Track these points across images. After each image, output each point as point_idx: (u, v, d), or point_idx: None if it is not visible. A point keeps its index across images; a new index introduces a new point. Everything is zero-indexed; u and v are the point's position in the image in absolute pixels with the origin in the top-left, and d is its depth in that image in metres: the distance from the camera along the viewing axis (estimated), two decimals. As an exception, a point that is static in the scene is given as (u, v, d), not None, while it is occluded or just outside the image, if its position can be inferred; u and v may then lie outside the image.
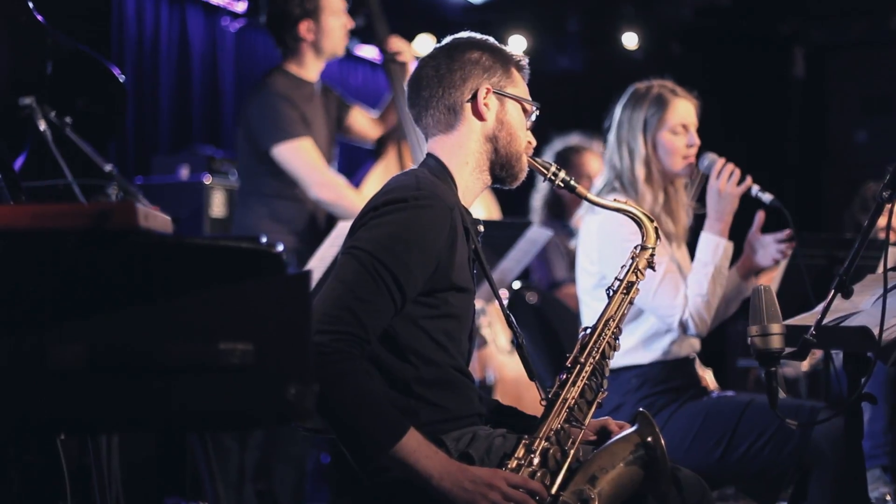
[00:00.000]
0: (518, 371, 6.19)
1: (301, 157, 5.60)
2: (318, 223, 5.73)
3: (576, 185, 3.29)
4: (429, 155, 3.26)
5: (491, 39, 3.31)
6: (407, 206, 3.02)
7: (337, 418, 2.88)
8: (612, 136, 4.57)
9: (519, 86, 3.29)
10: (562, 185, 3.28)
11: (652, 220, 3.37)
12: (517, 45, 9.58)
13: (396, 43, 6.30)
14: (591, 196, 3.36)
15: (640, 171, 4.46)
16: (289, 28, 5.85)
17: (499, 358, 6.19)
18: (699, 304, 4.29)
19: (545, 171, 3.28)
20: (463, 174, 3.23)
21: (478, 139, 3.22)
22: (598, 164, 6.82)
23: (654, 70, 4.70)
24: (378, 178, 6.07)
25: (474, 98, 3.21)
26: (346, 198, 5.65)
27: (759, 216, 4.51)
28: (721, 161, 4.40)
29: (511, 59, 3.29)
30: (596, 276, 4.46)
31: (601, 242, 4.39)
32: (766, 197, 4.40)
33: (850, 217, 6.84)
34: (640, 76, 4.62)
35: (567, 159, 6.83)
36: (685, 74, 4.70)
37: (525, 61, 3.34)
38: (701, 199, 4.55)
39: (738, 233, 4.41)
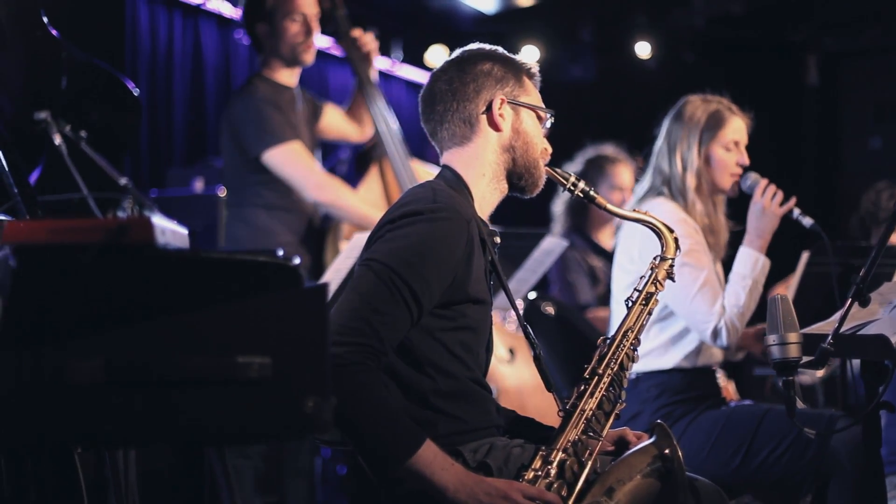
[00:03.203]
0: (519, 380, 6.19)
1: (293, 160, 5.55)
2: (313, 232, 5.70)
3: (595, 195, 3.29)
4: (444, 167, 3.26)
5: (500, 49, 3.31)
6: (424, 219, 3.02)
7: (353, 430, 2.87)
8: (661, 143, 4.61)
9: (532, 94, 3.30)
10: (581, 195, 3.28)
11: (672, 231, 3.38)
12: (530, 54, 9.59)
13: (359, 33, 6.20)
14: (610, 206, 3.34)
15: (692, 181, 4.51)
16: (251, 31, 5.83)
17: (499, 368, 6.17)
18: (734, 315, 4.30)
19: (564, 182, 3.28)
20: (479, 185, 3.23)
21: (494, 150, 3.23)
22: (629, 175, 6.79)
23: (668, 79, 4.71)
24: (362, 197, 6.01)
25: (489, 109, 3.21)
26: (344, 198, 5.61)
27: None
28: (765, 181, 4.43)
29: (522, 68, 3.30)
30: (633, 274, 4.47)
31: (643, 243, 4.40)
32: (807, 221, 4.42)
33: (858, 221, 6.79)
34: (653, 85, 4.65)
35: (600, 167, 6.80)
36: (698, 83, 4.69)
37: (536, 69, 3.35)
38: (735, 216, 4.58)
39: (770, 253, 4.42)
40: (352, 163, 7.35)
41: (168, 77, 7.50)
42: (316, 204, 5.62)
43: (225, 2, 7.81)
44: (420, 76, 9.72)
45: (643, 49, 10.02)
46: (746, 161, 4.54)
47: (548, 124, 3.32)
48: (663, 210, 4.37)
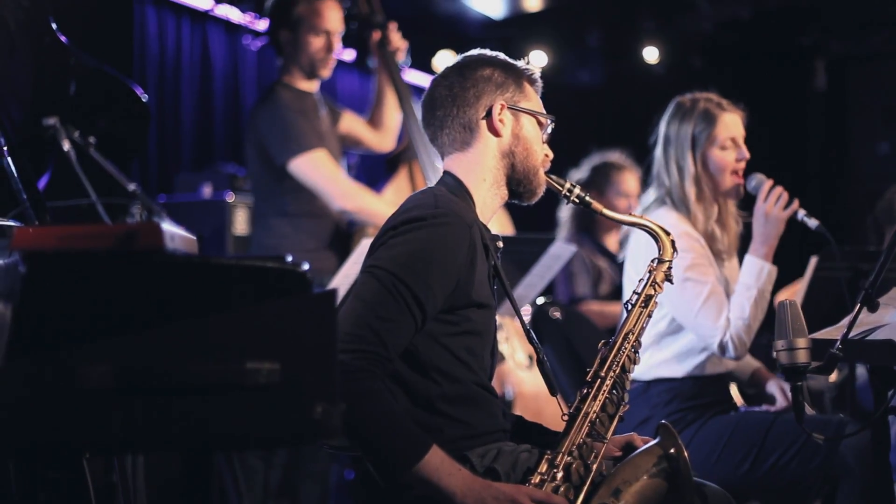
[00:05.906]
0: (537, 386, 6.19)
1: (318, 169, 5.54)
2: (340, 237, 5.70)
3: (591, 201, 3.30)
4: (446, 173, 3.27)
5: (501, 55, 3.31)
6: (426, 225, 3.02)
7: (360, 437, 2.88)
8: (658, 152, 4.53)
9: (532, 99, 3.30)
10: (577, 200, 3.28)
11: (668, 234, 3.37)
12: (538, 60, 9.59)
13: (394, 33, 6.18)
14: (606, 211, 3.34)
15: (691, 190, 4.42)
16: (273, 34, 5.82)
17: (517, 373, 6.17)
18: (740, 328, 4.24)
19: (560, 188, 3.28)
20: (480, 191, 3.23)
21: (494, 155, 3.23)
22: (635, 182, 6.80)
23: (675, 84, 4.69)
24: (389, 198, 6.02)
25: (489, 115, 3.22)
26: (370, 205, 5.61)
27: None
28: (769, 183, 4.34)
29: (523, 74, 3.29)
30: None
31: (648, 252, 4.37)
32: (812, 223, 4.32)
33: (872, 222, 6.75)
34: (661, 90, 4.61)
35: (606, 175, 6.82)
36: (706, 88, 4.66)
37: (537, 74, 3.34)
38: (743, 207, 4.53)
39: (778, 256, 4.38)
40: (360, 167, 7.35)
41: (176, 83, 7.51)
42: (342, 212, 5.62)
43: (233, 8, 7.82)
44: (428, 81, 9.72)
45: (651, 54, 10.02)
46: (746, 155, 4.45)
47: (548, 130, 3.32)
48: (666, 222, 4.31)
